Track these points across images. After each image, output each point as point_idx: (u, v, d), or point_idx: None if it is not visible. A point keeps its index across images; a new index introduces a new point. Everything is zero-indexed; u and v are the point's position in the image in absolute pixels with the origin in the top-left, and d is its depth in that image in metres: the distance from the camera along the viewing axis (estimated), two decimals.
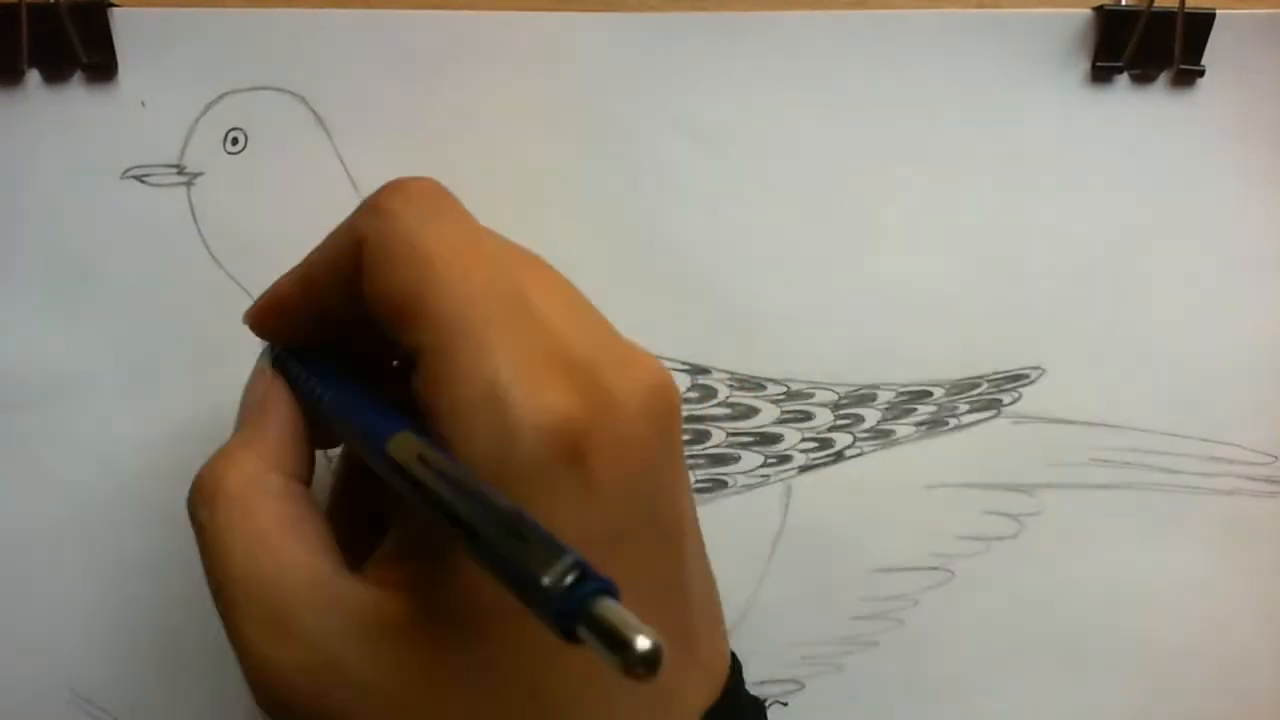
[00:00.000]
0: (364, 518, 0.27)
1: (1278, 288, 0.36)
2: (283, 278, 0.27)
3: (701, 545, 0.25)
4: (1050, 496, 0.36)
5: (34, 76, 0.33)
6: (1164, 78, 0.35)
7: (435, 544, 0.22)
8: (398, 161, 0.34)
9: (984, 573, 0.37)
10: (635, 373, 0.23)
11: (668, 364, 0.35)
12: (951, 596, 0.37)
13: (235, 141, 0.34)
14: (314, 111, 0.34)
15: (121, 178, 0.34)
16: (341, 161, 0.34)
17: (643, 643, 0.16)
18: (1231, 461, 0.36)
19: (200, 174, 0.34)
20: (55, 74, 0.33)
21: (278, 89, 0.34)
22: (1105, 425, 0.36)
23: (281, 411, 0.26)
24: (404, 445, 0.21)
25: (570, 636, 0.17)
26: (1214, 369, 0.36)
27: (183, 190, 0.34)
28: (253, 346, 0.34)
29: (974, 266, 0.36)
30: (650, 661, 0.16)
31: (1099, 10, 0.34)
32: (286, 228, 0.34)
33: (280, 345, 0.27)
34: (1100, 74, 0.35)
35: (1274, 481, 0.36)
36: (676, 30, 0.34)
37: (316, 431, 0.26)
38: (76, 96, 0.33)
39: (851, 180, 0.35)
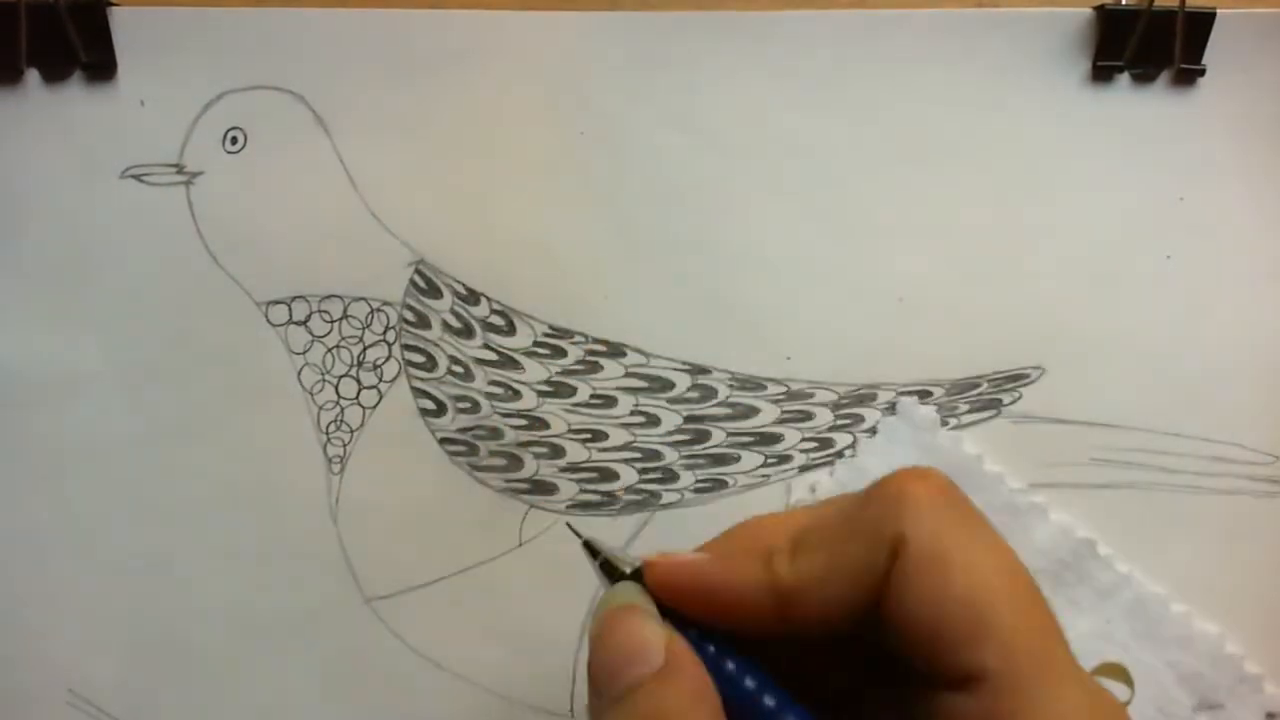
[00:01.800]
0: None
1: (1278, 287, 0.36)
2: (739, 563, 0.23)
3: None
4: (1050, 496, 0.36)
5: (33, 76, 0.33)
6: (1164, 77, 0.35)
7: None
8: (398, 161, 0.34)
9: None
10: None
11: (667, 364, 0.35)
12: None
13: (234, 141, 0.34)
14: (313, 111, 0.34)
15: (121, 177, 0.34)
16: (341, 161, 0.34)
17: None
18: (1232, 461, 0.36)
19: (200, 173, 0.34)
20: (54, 73, 0.33)
21: (277, 88, 0.34)
22: (1105, 425, 0.36)
23: (697, 667, 0.22)
24: None
25: None
26: (1214, 369, 0.36)
27: (182, 190, 0.34)
28: (246, 346, 0.34)
29: (974, 266, 0.36)
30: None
31: (1099, 9, 0.34)
32: (286, 227, 0.34)
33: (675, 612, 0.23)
34: (1101, 73, 0.35)
35: (1274, 481, 0.36)
36: (676, 30, 0.34)
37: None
38: (76, 96, 0.33)
39: (851, 180, 0.35)
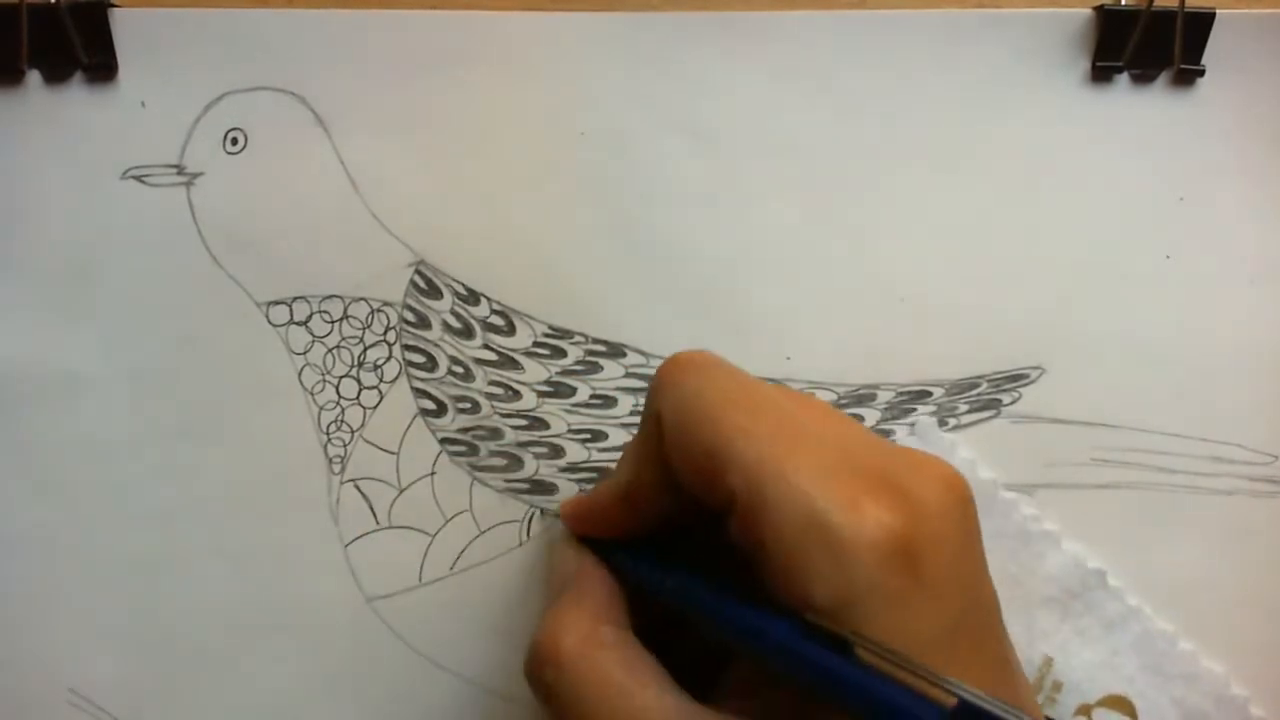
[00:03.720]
0: (685, 659, 0.27)
1: (1278, 288, 0.36)
2: (604, 485, 0.30)
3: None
4: (1050, 496, 0.36)
5: (34, 77, 0.33)
6: (1164, 77, 0.35)
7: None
8: (397, 161, 0.34)
9: None
10: (929, 472, 0.23)
11: None
12: None
13: (235, 141, 0.34)
14: (314, 111, 0.34)
15: (121, 178, 0.34)
16: (341, 161, 0.34)
17: None
18: (1231, 461, 0.36)
19: (200, 174, 0.34)
20: (55, 74, 0.33)
21: (277, 89, 0.34)
22: (1105, 425, 0.36)
23: (600, 574, 0.28)
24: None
25: None
26: (1214, 369, 0.36)
27: (182, 190, 0.34)
28: (247, 347, 0.35)
29: (974, 266, 0.36)
30: None
31: (1099, 10, 0.34)
32: (286, 228, 0.34)
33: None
34: (1100, 74, 0.35)
35: (1274, 481, 0.36)
36: (677, 30, 0.34)
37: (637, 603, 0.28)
38: (76, 97, 0.33)
39: (851, 180, 0.35)
